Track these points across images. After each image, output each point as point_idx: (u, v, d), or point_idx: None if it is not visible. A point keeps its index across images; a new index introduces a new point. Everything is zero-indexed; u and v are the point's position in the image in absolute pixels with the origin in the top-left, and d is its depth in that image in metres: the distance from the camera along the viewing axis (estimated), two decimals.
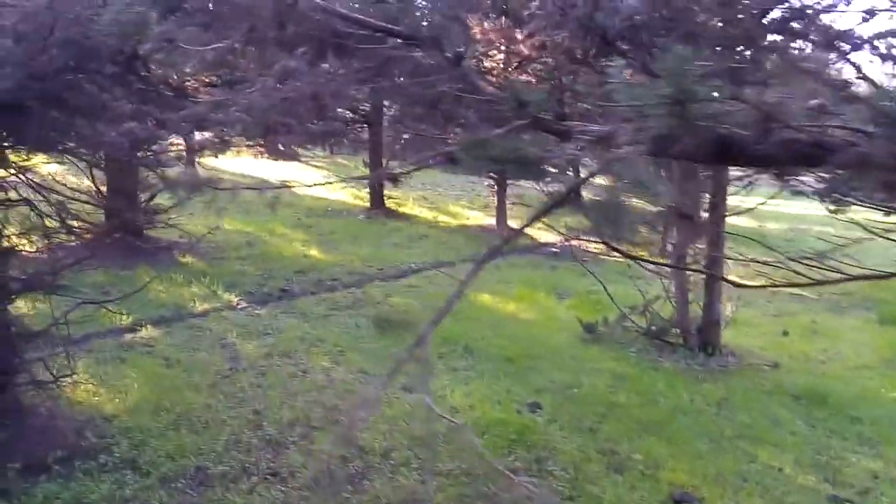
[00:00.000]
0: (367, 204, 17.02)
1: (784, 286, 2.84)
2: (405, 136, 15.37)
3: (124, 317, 7.82)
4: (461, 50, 2.45)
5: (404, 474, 5.01)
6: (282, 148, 10.74)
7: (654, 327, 8.01)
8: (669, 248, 8.92)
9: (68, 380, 5.27)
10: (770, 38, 6.70)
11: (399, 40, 2.59)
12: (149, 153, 5.61)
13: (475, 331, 8.54)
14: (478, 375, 7.08)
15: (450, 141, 15.36)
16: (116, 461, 4.93)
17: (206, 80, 6.62)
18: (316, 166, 22.15)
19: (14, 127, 4.58)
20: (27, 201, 4.97)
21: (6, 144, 4.77)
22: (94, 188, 10.44)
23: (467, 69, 2.50)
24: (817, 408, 6.67)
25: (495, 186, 16.08)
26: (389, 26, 2.60)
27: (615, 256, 12.57)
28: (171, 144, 8.76)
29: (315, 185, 14.78)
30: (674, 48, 1.45)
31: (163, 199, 10.72)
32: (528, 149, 1.84)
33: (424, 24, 2.36)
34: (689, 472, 5.17)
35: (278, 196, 3.60)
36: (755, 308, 9.96)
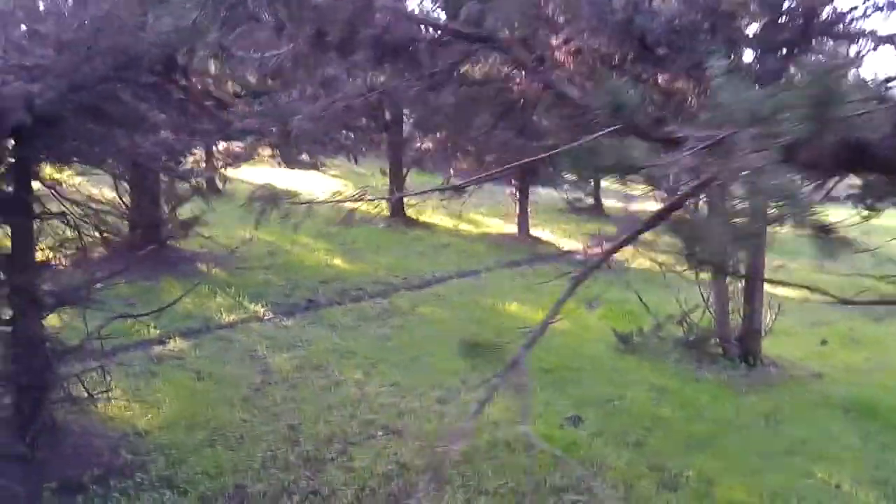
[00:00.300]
0: (387, 213, 16.87)
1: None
2: (427, 143, 15.27)
3: (152, 329, 7.72)
4: (542, 52, 2.31)
5: (449, 493, 4.84)
6: (306, 157, 10.61)
7: (691, 337, 7.80)
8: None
9: (103, 396, 5.15)
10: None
11: (475, 43, 2.45)
12: (183, 164, 5.52)
13: (506, 341, 8.36)
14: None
15: (468, 149, 15.21)
16: (153, 479, 4.81)
17: (234, 91, 6.51)
18: (333, 175, 22.04)
19: (50, 139, 4.48)
20: (63, 214, 4.87)
21: (41, 157, 4.67)
22: (119, 199, 10.36)
23: (551, 72, 2.36)
24: (868, 420, 6.44)
25: (517, 194, 15.88)
26: (467, 30, 2.47)
27: (643, 265, 12.36)
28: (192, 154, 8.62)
29: (386, 197, 14.37)
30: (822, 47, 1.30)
31: (187, 210, 10.62)
32: (636, 156, 1.71)
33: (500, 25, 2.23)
34: (745, 490, 4.98)
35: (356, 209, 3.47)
36: (790, 316, 9.70)
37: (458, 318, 9.29)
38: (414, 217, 16.73)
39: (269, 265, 11.50)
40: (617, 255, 14.49)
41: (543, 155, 2.56)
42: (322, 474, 5.11)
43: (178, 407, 6.03)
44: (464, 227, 16.78)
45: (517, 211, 16.22)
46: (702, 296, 7.88)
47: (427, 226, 16.44)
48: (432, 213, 17.76)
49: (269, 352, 7.59)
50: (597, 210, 20.45)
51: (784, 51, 6.37)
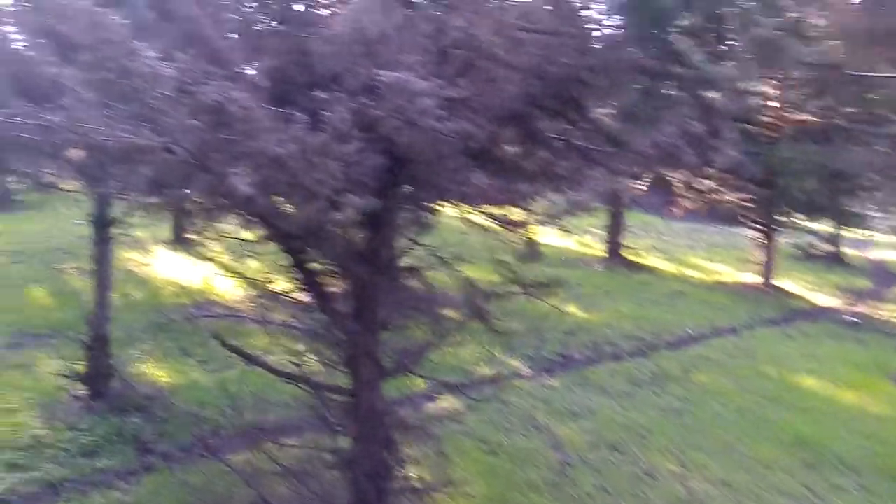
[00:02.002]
0: (602, 253, 15.69)
1: None
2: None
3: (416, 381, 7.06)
4: None
5: None
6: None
7: None
8: None
9: (444, 486, 4.38)
10: None
11: None
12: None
13: (827, 429, 6.84)
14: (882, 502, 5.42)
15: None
16: None
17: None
18: (524, 208, 21.19)
19: (421, 183, 3.80)
20: (416, 269, 4.21)
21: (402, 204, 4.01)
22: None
23: None
24: None
25: (764, 238, 14.01)
26: None
27: None
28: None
29: None
30: None
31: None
32: None
33: None
34: None
35: None
36: None
37: (745, 390, 7.87)
38: (631, 259, 15.40)
39: (506, 311, 10.68)
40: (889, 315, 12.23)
41: None
42: None
43: (484, 490, 5.21)
44: (689, 273, 15.17)
45: (759, 258, 14.32)
46: None
47: (648, 269, 15.03)
48: (647, 256, 16.33)
49: (551, 420, 6.66)
50: (835, 258, 17.94)
51: None
